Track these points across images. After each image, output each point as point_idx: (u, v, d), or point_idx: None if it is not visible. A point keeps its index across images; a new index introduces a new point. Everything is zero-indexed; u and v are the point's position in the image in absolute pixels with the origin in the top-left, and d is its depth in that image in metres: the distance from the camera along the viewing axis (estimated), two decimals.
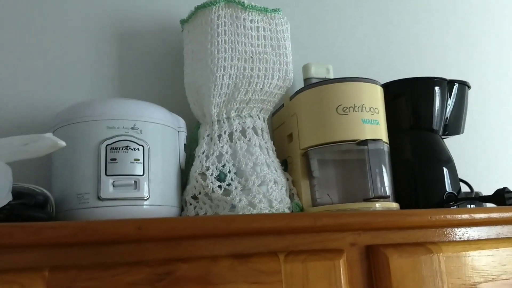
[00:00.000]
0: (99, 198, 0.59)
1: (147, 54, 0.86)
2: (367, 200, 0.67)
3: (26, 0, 0.80)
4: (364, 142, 0.68)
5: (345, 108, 0.70)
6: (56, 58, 0.80)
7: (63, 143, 0.52)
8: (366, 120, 0.69)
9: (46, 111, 0.76)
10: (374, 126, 0.70)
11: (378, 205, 0.67)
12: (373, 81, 0.73)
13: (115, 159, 0.61)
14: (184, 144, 0.72)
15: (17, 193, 0.52)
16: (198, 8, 0.73)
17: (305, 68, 0.84)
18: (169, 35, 0.87)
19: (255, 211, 0.63)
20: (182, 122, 0.73)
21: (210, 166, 0.68)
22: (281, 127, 0.82)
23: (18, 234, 0.39)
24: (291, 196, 0.72)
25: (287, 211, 0.67)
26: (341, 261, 0.48)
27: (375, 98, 0.72)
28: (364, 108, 0.70)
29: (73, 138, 0.62)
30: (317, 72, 0.84)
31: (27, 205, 0.53)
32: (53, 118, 0.66)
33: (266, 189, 0.67)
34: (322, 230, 0.49)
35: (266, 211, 0.64)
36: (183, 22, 0.78)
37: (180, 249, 0.44)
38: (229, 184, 0.66)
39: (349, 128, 0.69)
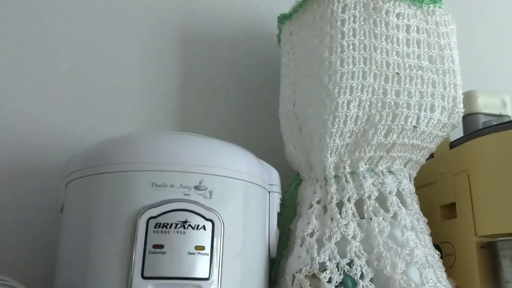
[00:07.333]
0: None
1: (218, 69, 0.58)
2: None
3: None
4: None
5: None
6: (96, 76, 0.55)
7: None
8: None
9: (62, 149, 0.50)
10: None
11: None
12: None
13: (161, 246, 0.33)
14: (278, 212, 0.43)
15: None
16: None
17: (469, 98, 0.53)
18: (255, 41, 0.59)
19: None
20: (275, 176, 0.44)
21: (328, 263, 0.38)
22: (424, 190, 0.50)
23: None
24: None
25: None
26: None
27: None
28: None
29: (90, 202, 0.34)
30: (486, 105, 0.53)
31: None
32: (67, 161, 0.40)
33: None
34: None
35: None
36: (283, 19, 0.50)
37: None
38: None
39: None
